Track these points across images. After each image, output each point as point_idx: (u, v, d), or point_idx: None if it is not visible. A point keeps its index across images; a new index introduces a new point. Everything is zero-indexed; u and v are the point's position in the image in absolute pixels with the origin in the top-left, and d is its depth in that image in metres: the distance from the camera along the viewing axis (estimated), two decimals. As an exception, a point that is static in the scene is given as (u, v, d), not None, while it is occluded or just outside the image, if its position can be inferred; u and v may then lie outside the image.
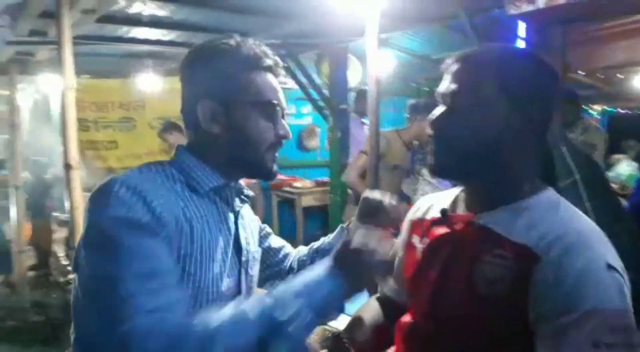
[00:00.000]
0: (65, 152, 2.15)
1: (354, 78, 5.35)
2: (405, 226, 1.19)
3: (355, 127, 4.78)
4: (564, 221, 0.89)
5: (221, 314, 0.79)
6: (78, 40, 2.56)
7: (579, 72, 5.62)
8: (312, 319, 0.78)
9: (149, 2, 2.60)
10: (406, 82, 6.57)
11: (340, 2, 2.55)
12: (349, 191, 3.77)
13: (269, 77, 1.03)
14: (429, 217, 1.10)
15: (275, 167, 1.06)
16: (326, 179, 5.14)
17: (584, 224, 0.89)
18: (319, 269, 0.84)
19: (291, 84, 6.09)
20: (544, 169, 1.89)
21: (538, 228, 0.87)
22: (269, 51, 1.05)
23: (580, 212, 0.93)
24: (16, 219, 4.10)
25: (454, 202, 1.05)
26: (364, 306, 1.30)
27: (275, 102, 1.03)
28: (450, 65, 0.98)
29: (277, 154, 1.06)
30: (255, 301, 0.80)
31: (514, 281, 0.86)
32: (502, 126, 0.90)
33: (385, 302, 1.27)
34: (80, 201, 2.15)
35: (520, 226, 0.89)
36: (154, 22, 3.00)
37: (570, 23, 2.68)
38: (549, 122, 0.95)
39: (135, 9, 2.66)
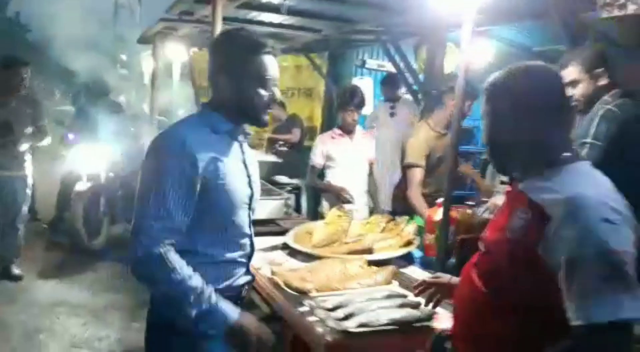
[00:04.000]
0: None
1: (450, 65, 5.58)
2: None
3: (385, 116, 4.87)
4: (575, 186, 1.16)
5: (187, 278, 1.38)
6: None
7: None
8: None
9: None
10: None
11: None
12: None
13: (267, 58, 1.52)
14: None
15: (266, 118, 1.59)
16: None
17: (592, 188, 1.16)
18: (232, 312, 1.43)
19: (389, 66, 6.44)
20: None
21: (555, 191, 1.16)
22: (267, 40, 1.54)
23: (599, 177, 1.22)
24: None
25: None
26: None
27: (268, 77, 1.52)
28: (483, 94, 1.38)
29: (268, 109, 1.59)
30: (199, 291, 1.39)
31: (529, 230, 1.18)
32: (518, 129, 1.26)
33: None
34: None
35: (542, 189, 1.20)
36: (278, 9, 3.50)
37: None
38: (561, 114, 1.29)
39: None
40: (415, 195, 3.25)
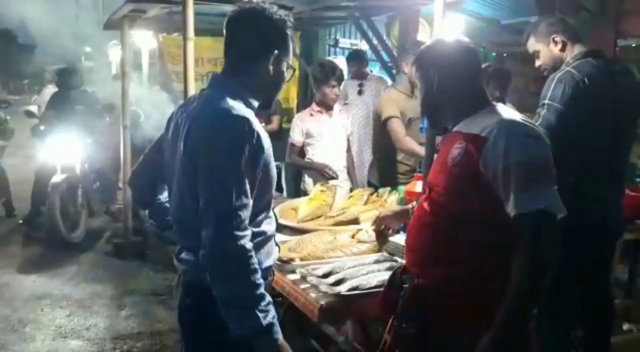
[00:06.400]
0: (185, 91, 2.70)
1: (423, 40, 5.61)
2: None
3: (353, 94, 4.80)
4: (499, 115, 1.46)
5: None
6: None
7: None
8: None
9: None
10: (475, 46, 6.71)
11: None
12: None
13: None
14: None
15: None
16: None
17: (512, 116, 1.46)
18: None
19: (362, 45, 6.46)
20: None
21: (484, 122, 1.44)
22: None
23: (513, 111, 1.53)
24: (123, 155, 4.79)
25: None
26: None
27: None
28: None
29: None
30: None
31: (469, 154, 1.42)
32: (442, 88, 1.55)
33: None
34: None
35: (473, 124, 1.47)
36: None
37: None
38: (473, 72, 1.57)
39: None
40: (407, 141, 3.38)
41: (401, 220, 2.17)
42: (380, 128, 3.55)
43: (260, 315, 1.27)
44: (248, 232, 1.29)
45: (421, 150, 3.25)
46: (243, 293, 1.27)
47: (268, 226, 1.48)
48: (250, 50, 1.45)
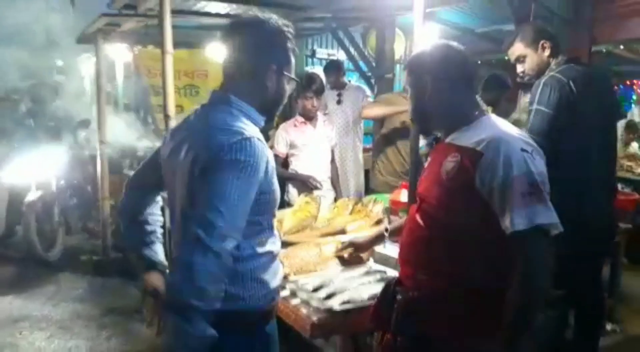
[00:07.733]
0: (165, 105, 2.66)
1: (398, 51, 5.66)
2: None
3: (332, 104, 4.69)
4: (494, 128, 1.43)
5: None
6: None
7: (621, 47, 5.78)
8: None
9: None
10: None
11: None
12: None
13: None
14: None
15: None
16: (369, 145, 5.53)
17: (507, 129, 1.44)
18: None
19: (339, 55, 6.48)
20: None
21: (479, 135, 1.41)
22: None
23: (508, 123, 1.48)
24: (100, 171, 4.70)
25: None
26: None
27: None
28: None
29: None
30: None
31: (463, 168, 1.39)
32: (435, 95, 1.51)
33: None
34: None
35: (467, 137, 1.44)
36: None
37: (598, -1, 2.96)
38: (468, 81, 1.53)
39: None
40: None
41: (375, 244, 2.12)
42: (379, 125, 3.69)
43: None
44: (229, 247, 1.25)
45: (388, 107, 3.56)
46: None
47: (273, 246, 1.43)
48: (250, 64, 1.39)
